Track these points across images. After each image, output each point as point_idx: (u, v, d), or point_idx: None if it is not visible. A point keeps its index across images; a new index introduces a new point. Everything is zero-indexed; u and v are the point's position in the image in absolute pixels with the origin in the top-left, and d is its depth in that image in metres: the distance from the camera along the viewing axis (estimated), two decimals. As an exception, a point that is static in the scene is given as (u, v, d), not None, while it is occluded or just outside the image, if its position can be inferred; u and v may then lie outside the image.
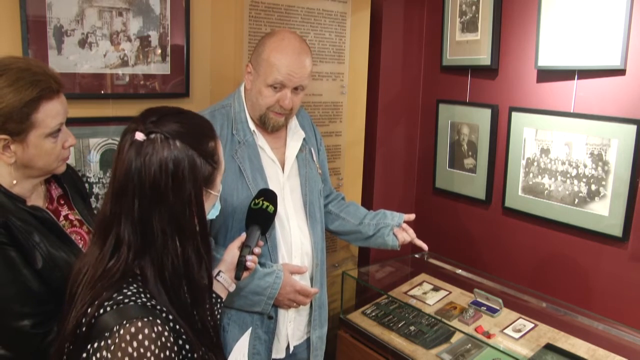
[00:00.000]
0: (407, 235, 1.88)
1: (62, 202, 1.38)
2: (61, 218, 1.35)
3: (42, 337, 1.19)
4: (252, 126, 1.69)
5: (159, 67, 1.93)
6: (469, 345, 1.98)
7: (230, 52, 2.11)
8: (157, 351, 0.90)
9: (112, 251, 0.99)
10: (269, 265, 1.64)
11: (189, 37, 1.97)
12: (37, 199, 1.30)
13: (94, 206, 1.86)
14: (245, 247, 1.38)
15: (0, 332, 1.18)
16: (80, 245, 1.33)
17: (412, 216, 1.94)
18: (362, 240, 1.95)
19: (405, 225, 1.90)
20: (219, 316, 1.29)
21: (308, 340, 1.83)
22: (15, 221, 1.18)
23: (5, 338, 1.19)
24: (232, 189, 1.61)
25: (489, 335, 2.02)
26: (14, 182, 1.23)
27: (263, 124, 1.68)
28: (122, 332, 0.89)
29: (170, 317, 0.97)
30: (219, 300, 1.31)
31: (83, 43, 1.76)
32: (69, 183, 1.40)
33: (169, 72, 1.96)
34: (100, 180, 1.88)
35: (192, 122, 1.07)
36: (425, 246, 1.91)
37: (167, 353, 0.91)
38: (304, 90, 1.68)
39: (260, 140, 1.70)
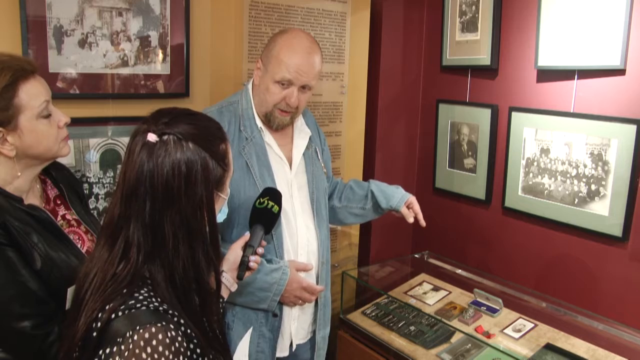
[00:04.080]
0: (409, 215, 1.82)
1: (59, 202, 1.37)
2: (59, 218, 1.34)
3: (42, 338, 1.18)
4: (259, 123, 1.69)
5: (158, 67, 1.93)
6: (469, 345, 1.98)
7: (230, 52, 2.11)
8: (171, 357, 0.89)
9: (121, 254, 0.98)
10: (275, 261, 1.64)
11: (189, 37, 1.98)
12: (33, 199, 1.28)
13: (93, 206, 1.86)
14: (248, 247, 1.37)
15: (0, 335, 1.17)
16: (79, 245, 1.32)
17: (410, 219, 1.84)
18: (370, 218, 1.97)
19: (411, 202, 1.82)
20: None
21: (311, 339, 1.83)
22: (12, 221, 1.17)
23: (6, 340, 1.18)
24: (239, 185, 1.62)
25: (488, 335, 2.02)
26: (18, 174, 1.22)
27: (268, 121, 1.68)
28: (135, 337, 0.87)
29: (182, 321, 0.96)
30: (221, 301, 1.31)
31: (83, 43, 1.76)
32: (65, 183, 1.39)
33: (168, 72, 1.96)
34: (100, 180, 1.88)
35: (203, 123, 1.06)
36: (422, 222, 1.84)
37: (181, 358, 0.91)
38: (311, 89, 1.68)
39: (268, 137, 1.70)
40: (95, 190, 1.87)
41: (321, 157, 1.87)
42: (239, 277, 1.34)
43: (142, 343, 0.87)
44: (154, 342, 0.88)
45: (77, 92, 1.78)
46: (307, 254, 1.74)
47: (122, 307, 0.92)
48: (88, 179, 1.85)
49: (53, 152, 1.26)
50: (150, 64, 1.91)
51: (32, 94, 1.18)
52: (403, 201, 1.84)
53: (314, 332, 1.82)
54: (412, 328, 2.14)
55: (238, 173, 1.62)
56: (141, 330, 0.88)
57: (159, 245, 0.98)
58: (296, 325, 1.76)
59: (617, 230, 1.92)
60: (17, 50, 1.64)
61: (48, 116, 1.23)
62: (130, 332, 0.88)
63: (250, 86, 1.74)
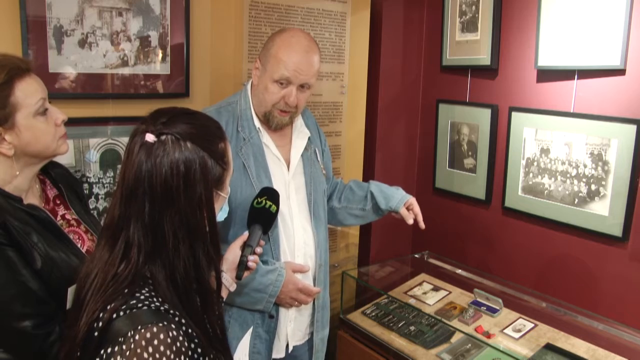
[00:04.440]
0: (408, 217, 1.81)
1: (59, 202, 1.37)
2: (58, 217, 1.33)
3: (43, 338, 1.18)
4: (257, 123, 1.68)
5: (158, 67, 1.93)
6: (469, 345, 1.98)
7: (230, 52, 2.11)
8: (172, 356, 0.89)
9: (122, 255, 0.98)
10: (271, 262, 1.64)
11: (189, 37, 1.98)
12: (32, 199, 1.28)
13: (93, 206, 1.86)
14: (247, 247, 1.37)
15: (1, 334, 1.17)
16: (79, 245, 1.32)
17: (410, 220, 1.84)
18: (370, 219, 1.96)
19: (410, 203, 1.82)
20: None
21: (309, 341, 1.82)
22: (12, 221, 1.17)
23: (7, 340, 1.18)
24: (236, 186, 1.61)
25: (488, 335, 2.02)
26: (17, 173, 1.22)
27: (267, 121, 1.67)
28: (137, 337, 0.88)
29: (183, 321, 0.96)
30: (220, 300, 1.31)
31: (83, 43, 1.76)
32: (64, 183, 1.39)
33: (168, 72, 1.96)
34: (100, 180, 1.88)
35: (202, 122, 1.06)
36: (422, 225, 1.83)
37: (182, 358, 0.91)
38: (309, 89, 1.67)
39: (265, 137, 1.69)
40: (95, 190, 1.87)
41: (321, 159, 1.86)
42: (238, 277, 1.34)
43: (143, 343, 0.87)
44: (156, 342, 0.88)
45: (78, 92, 1.78)
46: (303, 256, 1.73)
47: (123, 307, 0.92)
48: (88, 179, 1.85)
49: (51, 150, 1.26)
50: (150, 64, 1.91)
51: (28, 92, 1.19)
52: (402, 202, 1.83)
53: (311, 333, 1.81)
54: (412, 328, 2.14)
55: (235, 174, 1.61)
56: (143, 330, 0.88)
57: (159, 245, 0.98)
58: (292, 326, 1.75)
59: (617, 230, 1.92)
60: (17, 51, 1.64)
61: (45, 114, 1.23)
62: (132, 332, 0.88)
63: (249, 86, 1.73)
